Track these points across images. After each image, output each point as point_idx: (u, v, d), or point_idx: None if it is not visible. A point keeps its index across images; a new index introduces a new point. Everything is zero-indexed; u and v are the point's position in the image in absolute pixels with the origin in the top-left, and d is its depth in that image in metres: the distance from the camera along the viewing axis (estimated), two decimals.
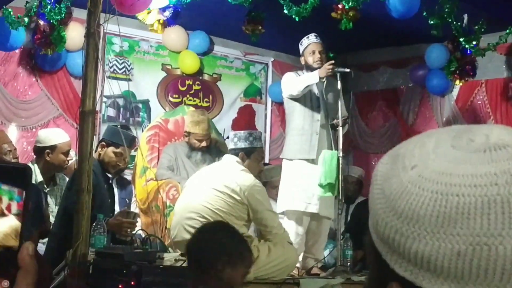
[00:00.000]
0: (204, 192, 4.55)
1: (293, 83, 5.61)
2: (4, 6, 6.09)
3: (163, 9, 6.96)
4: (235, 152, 4.85)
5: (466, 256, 0.66)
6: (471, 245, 0.66)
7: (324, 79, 5.71)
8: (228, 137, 7.90)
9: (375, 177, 0.78)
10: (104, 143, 4.99)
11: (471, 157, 0.69)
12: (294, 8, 6.12)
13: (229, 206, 4.48)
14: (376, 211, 0.75)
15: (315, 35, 5.75)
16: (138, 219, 5.59)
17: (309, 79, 5.51)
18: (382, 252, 0.73)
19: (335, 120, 5.56)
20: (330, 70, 5.45)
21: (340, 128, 5.51)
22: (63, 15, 6.35)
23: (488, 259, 0.65)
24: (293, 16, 6.14)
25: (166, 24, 7.34)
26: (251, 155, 4.84)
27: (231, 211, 4.48)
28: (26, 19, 6.13)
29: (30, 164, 5.25)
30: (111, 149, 4.92)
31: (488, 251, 0.65)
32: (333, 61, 5.54)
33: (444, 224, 0.67)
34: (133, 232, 4.58)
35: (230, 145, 4.95)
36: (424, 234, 0.68)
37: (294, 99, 5.67)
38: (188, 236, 4.47)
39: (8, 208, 0.91)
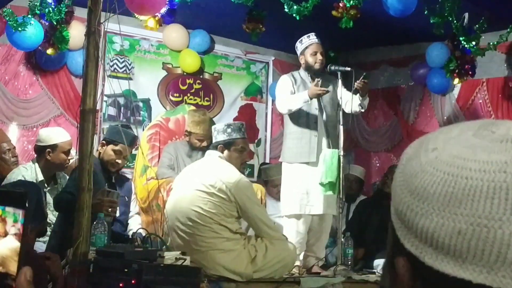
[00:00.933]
0: (191, 194, 4.49)
1: (285, 102, 5.59)
2: (5, 7, 6.09)
3: None
4: (215, 146, 4.83)
5: (466, 235, 0.69)
6: (471, 225, 0.69)
7: (319, 79, 5.69)
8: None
9: (401, 158, 0.83)
10: (104, 141, 5.01)
11: (488, 145, 0.73)
12: (295, 7, 6.12)
13: (217, 205, 4.44)
14: (395, 188, 0.79)
15: (315, 35, 5.71)
16: (139, 217, 5.59)
17: (300, 101, 5.49)
18: (396, 227, 0.78)
19: (356, 82, 5.51)
20: (320, 93, 5.42)
21: (341, 135, 5.49)
22: (63, 15, 6.34)
23: (486, 241, 0.68)
24: (294, 15, 6.13)
25: (161, 21, 7.33)
26: (231, 147, 4.79)
27: (220, 211, 4.44)
28: (31, 17, 6.13)
29: (31, 163, 5.25)
30: (110, 147, 4.92)
31: (487, 233, 0.68)
32: (323, 89, 5.45)
33: (450, 203, 0.71)
34: (115, 211, 4.46)
35: (212, 139, 4.92)
36: (431, 211, 0.72)
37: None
38: (182, 242, 4.45)
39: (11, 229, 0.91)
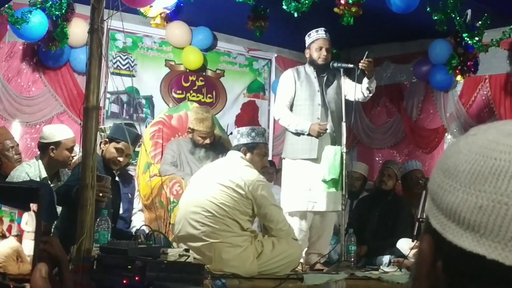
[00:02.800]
0: (209, 187, 4.55)
1: (283, 117, 5.63)
2: (7, 4, 6.09)
3: None
4: (238, 147, 4.88)
5: (486, 211, 0.72)
6: (493, 201, 0.72)
7: (324, 74, 5.69)
8: (231, 133, 7.93)
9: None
10: (107, 139, 5.02)
11: None
12: (293, 4, 6.12)
13: (234, 200, 4.48)
14: (433, 170, 0.82)
15: (324, 30, 5.68)
16: (142, 214, 5.60)
17: (297, 128, 5.54)
18: (428, 208, 0.81)
19: (360, 63, 5.51)
20: (320, 133, 5.45)
21: (344, 132, 5.50)
22: (64, 10, 6.34)
23: (504, 217, 0.71)
24: (292, 12, 6.13)
25: (168, 18, 7.34)
26: (254, 150, 4.87)
27: (236, 206, 4.48)
28: (29, 15, 6.13)
29: (34, 160, 5.26)
30: (112, 144, 4.94)
31: (506, 210, 0.71)
32: (327, 128, 5.50)
33: (476, 180, 0.74)
34: (107, 195, 4.33)
35: (234, 141, 4.97)
36: (458, 188, 0.75)
37: (294, 96, 5.66)
38: (192, 231, 4.48)
39: (9, 229, 0.91)
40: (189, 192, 4.75)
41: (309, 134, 5.52)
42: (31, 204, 0.92)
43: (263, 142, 4.96)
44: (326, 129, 5.49)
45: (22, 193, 0.94)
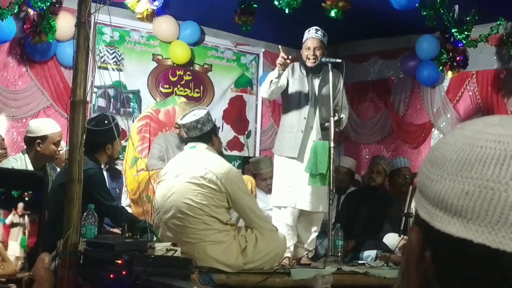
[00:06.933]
0: (181, 187, 4.45)
1: (264, 84, 5.59)
2: None
3: None
4: (208, 137, 4.69)
5: (473, 196, 0.74)
6: (479, 187, 0.73)
7: (320, 74, 5.65)
8: (219, 128, 7.92)
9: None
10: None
11: (507, 124, 0.78)
12: (285, 0, 6.11)
13: (208, 197, 4.40)
14: (421, 164, 0.84)
15: (315, 29, 5.59)
16: (129, 210, 5.58)
17: (270, 76, 5.47)
18: (416, 199, 0.82)
19: (326, 123, 5.52)
20: (285, 62, 5.31)
21: (332, 126, 5.48)
22: (49, 3, 6.29)
23: (491, 202, 0.73)
24: (283, 8, 6.12)
25: (155, 14, 7.32)
26: (217, 132, 4.85)
27: (210, 202, 4.40)
28: (15, 7, 6.08)
29: (20, 154, 5.23)
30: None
31: (492, 195, 0.73)
32: (287, 56, 5.31)
33: (463, 168, 0.75)
34: None
35: (194, 132, 4.66)
36: (445, 176, 0.77)
37: (285, 95, 5.64)
38: (173, 235, 4.42)
39: None
40: (162, 192, 4.61)
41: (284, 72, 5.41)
42: (18, 204, 0.91)
43: (213, 121, 4.87)
44: (288, 57, 5.34)
45: (25, 179, 0.94)
